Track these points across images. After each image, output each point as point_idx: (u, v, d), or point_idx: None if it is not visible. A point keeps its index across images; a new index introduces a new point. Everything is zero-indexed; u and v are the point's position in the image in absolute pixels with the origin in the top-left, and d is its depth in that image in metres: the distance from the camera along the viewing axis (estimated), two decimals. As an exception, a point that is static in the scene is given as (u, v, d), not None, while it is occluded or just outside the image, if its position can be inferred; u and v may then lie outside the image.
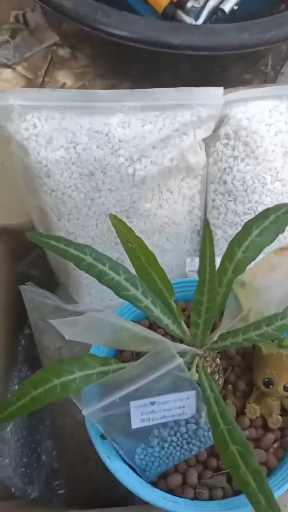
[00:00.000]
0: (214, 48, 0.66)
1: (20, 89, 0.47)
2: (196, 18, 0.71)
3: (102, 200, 0.49)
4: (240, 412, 0.40)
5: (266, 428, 0.40)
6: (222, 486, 0.37)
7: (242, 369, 0.42)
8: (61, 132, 0.47)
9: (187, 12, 0.71)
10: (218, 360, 0.38)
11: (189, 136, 0.48)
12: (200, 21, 0.71)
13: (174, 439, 0.37)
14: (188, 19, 0.71)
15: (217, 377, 0.38)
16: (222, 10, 0.72)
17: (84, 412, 0.35)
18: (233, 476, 0.32)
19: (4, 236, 0.61)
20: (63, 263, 0.55)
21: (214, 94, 0.47)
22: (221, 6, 0.72)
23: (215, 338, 0.36)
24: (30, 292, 0.58)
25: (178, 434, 0.37)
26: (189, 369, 0.36)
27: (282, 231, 0.37)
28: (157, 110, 0.47)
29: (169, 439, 0.37)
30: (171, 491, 0.37)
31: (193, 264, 0.52)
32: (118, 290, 0.36)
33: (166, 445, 0.37)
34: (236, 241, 0.37)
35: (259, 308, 0.33)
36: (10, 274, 0.64)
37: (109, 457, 0.37)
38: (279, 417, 0.39)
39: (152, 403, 0.36)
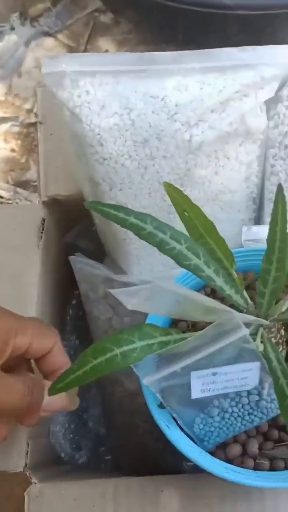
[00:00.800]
0: (270, 6, 0.62)
1: (73, 54, 0.46)
2: None
3: (156, 168, 0.48)
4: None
5: None
6: (284, 457, 0.36)
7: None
8: (115, 98, 0.46)
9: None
10: (282, 331, 0.37)
11: (250, 97, 0.45)
12: None
13: (236, 409, 0.36)
14: None
15: (280, 348, 0.37)
16: None
17: (145, 382, 0.35)
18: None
19: (53, 207, 0.61)
20: (113, 234, 0.55)
21: (280, 53, 0.44)
22: None
23: (283, 309, 0.34)
24: (80, 263, 0.57)
25: (240, 405, 0.36)
26: (253, 340, 0.35)
27: None
28: (217, 71, 0.45)
29: (230, 409, 0.36)
30: (230, 461, 0.37)
31: (249, 233, 0.50)
32: (179, 259, 0.35)
33: (227, 415, 0.36)
34: None
35: None
36: (58, 245, 0.64)
37: (167, 426, 0.37)
38: None
39: (214, 374, 0.35)
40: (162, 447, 0.55)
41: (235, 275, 0.38)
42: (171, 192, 0.41)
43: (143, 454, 0.57)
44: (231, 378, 0.35)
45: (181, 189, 0.49)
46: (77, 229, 0.66)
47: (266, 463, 0.37)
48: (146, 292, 0.32)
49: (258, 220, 0.55)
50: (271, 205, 0.51)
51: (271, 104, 0.48)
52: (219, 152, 0.48)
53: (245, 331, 0.33)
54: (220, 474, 0.35)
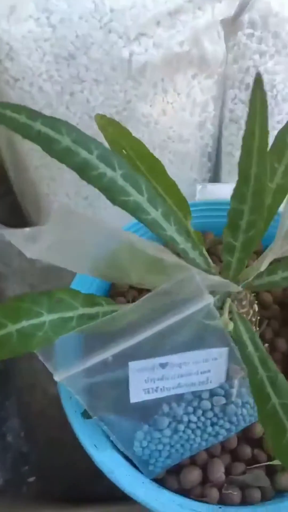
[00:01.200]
0: None
1: None
2: None
3: (85, 96, 0.36)
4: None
5: None
6: (260, 484, 0.25)
7: (280, 323, 0.30)
8: (29, -2, 0.34)
9: None
10: (256, 307, 0.26)
11: (206, 12, 0.35)
12: None
13: (193, 418, 0.25)
14: None
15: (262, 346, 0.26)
16: None
17: (57, 377, 0.22)
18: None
19: None
20: (32, 187, 0.42)
21: None
22: None
23: (262, 268, 0.23)
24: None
25: (199, 412, 0.25)
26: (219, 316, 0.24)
27: None
28: None
29: (185, 418, 0.25)
30: (185, 493, 0.26)
31: (205, 192, 0.39)
32: (112, 193, 0.23)
33: (181, 427, 0.25)
34: (275, 157, 0.25)
35: None
36: None
37: (95, 446, 0.25)
38: None
39: (163, 366, 0.23)
40: (95, 470, 0.43)
41: (191, 229, 0.27)
42: (104, 125, 0.30)
43: (75, 477, 0.45)
44: (188, 371, 0.24)
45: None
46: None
47: (235, 493, 0.25)
48: (56, 231, 0.20)
49: (213, 181, 0.45)
50: (230, 160, 0.41)
51: (230, 33, 0.38)
52: (167, 83, 0.37)
53: (209, 299, 0.21)
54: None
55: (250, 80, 0.39)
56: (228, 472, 0.26)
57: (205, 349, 0.23)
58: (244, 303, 0.25)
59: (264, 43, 0.38)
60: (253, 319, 0.26)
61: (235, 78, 0.39)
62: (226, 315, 0.23)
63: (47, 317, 0.22)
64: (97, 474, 0.43)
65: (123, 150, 0.29)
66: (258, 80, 0.21)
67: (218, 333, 0.23)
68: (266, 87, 0.38)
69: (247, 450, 0.26)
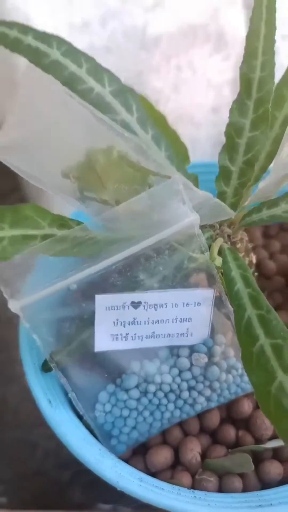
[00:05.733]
0: None
1: None
2: None
3: (96, 66, 0.35)
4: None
5: None
6: (242, 471, 0.21)
7: (284, 296, 0.26)
8: None
9: None
10: (253, 257, 0.23)
11: (227, -16, 0.34)
12: None
13: (167, 379, 0.21)
14: None
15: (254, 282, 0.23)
16: None
17: (14, 305, 0.19)
18: (277, 428, 0.16)
19: None
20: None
21: None
22: None
23: (258, 197, 0.20)
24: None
25: (175, 371, 0.21)
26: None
27: None
28: None
29: (158, 378, 0.21)
30: (152, 475, 0.21)
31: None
32: (99, 109, 0.21)
33: (153, 388, 0.21)
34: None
35: None
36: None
37: (49, 401, 0.21)
38: None
39: (136, 305, 0.20)
40: (69, 478, 0.38)
41: (186, 169, 0.24)
42: None
43: (44, 487, 0.39)
44: (165, 317, 0.20)
45: (128, 102, 0.37)
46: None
47: (212, 480, 0.21)
48: (17, 129, 0.18)
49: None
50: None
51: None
52: (181, 56, 0.36)
53: (193, 216, 0.18)
54: (130, 488, 0.19)
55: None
56: (205, 455, 0.22)
57: (187, 289, 0.20)
58: (239, 246, 0.22)
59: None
60: (249, 270, 0.23)
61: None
62: (215, 251, 0.20)
63: (8, 232, 0.19)
64: (67, 487, 0.38)
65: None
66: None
67: (204, 268, 0.20)
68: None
69: (230, 432, 0.22)
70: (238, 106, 0.19)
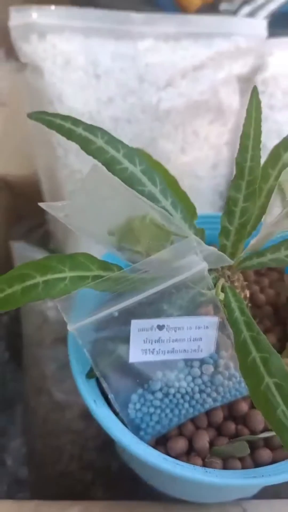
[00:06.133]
0: None
1: (45, 7, 0.43)
2: None
3: (118, 133, 0.42)
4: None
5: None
6: (241, 455, 0.28)
7: (272, 322, 0.33)
8: (82, 53, 0.42)
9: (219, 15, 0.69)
10: (247, 292, 0.30)
11: (224, 68, 0.42)
12: None
13: (184, 384, 0.28)
14: None
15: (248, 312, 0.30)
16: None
17: (70, 327, 0.26)
18: (267, 419, 0.23)
19: (3, 191, 0.55)
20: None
21: (257, 25, 0.42)
22: (253, 15, 0.70)
23: (251, 248, 0.28)
24: (22, 249, 0.50)
25: (189, 378, 0.28)
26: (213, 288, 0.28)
27: None
28: (192, 37, 0.42)
29: (176, 383, 0.28)
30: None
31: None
32: (131, 183, 0.29)
33: (172, 391, 0.28)
34: (283, 144, 0.30)
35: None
36: (5, 233, 0.57)
37: (94, 401, 0.28)
38: None
39: (160, 327, 0.27)
40: (91, 478, 0.44)
41: (195, 225, 0.32)
42: None
43: (70, 487, 0.45)
44: (182, 337, 0.27)
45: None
46: (27, 225, 0.59)
47: (218, 462, 0.27)
48: (81, 199, 0.25)
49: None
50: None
51: (245, 90, 0.46)
52: (187, 125, 0.44)
53: (203, 264, 0.26)
54: (158, 464, 0.25)
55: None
56: (213, 444, 0.28)
57: (198, 316, 0.27)
58: (236, 284, 0.29)
59: (274, 98, 0.45)
60: (244, 302, 0.30)
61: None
62: (219, 288, 0.27)
63: (68, 274, 0.27)
64: (88, 487, 0.43)
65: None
66: (255, 91, 0.27)
67: (211, 301, 0.27)
68: (273, 135, 0.45)
69: (231, 426, 0.29)
70: (234, 185, 0.27)
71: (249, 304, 0.31)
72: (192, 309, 0.27)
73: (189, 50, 0.41)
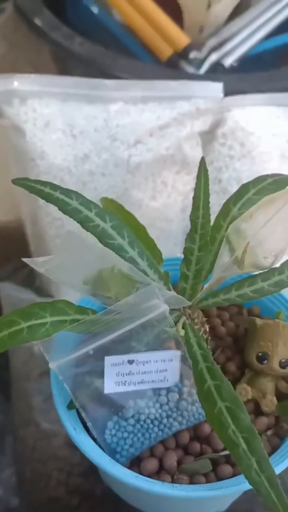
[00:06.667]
0: None
1: (25, 75, 0.48)
2: (198, 68, 0.75)
3: (94, 185, 0.48)
4: (229, 396, 0.35)
5: (258, 413, 0.35)
6: (205, 471, 0.32)
7: (233, 351, 0.38)
8: (59, 116, 0.48)
9: (190, 63, 0.75)
10: (207, 327, 0.35)
11: (187, 126, 0.48)
12: (202, 71, 0.75)
13: (153, 410, 0.32)
14: (190, 69, 0.74)
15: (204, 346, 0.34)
16: (222, 65, 0.76)
17: (52, 365, 0.31)
18: (221, 439, 0.27)
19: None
20: (47, 253, 0.53)
21: (213, 88, 0.48)
22: (221, 61, 0.77)
23: (206, 289, 0.33)
24: (8, 289, 0.54)
25: (157, 405, 0.32)
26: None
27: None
28: (157, 100, 0.48)
29: (146, 410, 0.32)
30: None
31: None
32: (102, 238, 0.33)
33: (143, 417, 0.32)
34: (232, 200, 0.35)
35: (254, 249, 0.31)
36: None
37: (74, 429, 0.32)
38: (274, 398, 0.34)
39: (130, 362, 0.31)
40: (77, 502, 0.47)
41: (161, 270, 0.36)
42: (106, 203, 0.41)
43: (57, 511, 0.48)
44: (149, 369, 0.32)
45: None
46: (13, 265, 0.64)
47: (185, 478, 0.31)
48: (59, 257, 0.30)
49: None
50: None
51: (207, 142, 0.51)
52: (156, 176, 0.49)
53: (164, 307, 0.30)
54: (130, 481, 0.29)
55: (222, 176, 0.51)
56: (180, 463, 0.32)
57: (163, 350, 0.32)
58: (196, 321, 0.33)
59: (233, 149, 0.50)
60: (203, 336, 0.34)
61: (211, 175, 0.51)
62: (180, 326, 0.32)
63: (49, 319, 0.31)
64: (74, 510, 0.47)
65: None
66: (203, 162, 0.32)
67: (173, 337, 0.31)
68: (234, 181, 0.50)
69: (197, 446, 0.33)
70: (189, 238, 0.32)
71: (209, 337, 0.35)
72: (158, 344, 0.32)
73: (155, 112, 0.47)
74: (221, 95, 0.48)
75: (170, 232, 0.52)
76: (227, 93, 0.57)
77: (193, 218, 0.32)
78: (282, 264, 0.32)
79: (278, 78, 0.66)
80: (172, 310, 0.33)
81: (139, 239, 0.38)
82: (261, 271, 0.32)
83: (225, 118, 0.50)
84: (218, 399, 0.28)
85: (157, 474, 0.32)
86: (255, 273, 0.32)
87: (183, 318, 0.33)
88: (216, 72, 0.74)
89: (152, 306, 0.30)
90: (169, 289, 0.35)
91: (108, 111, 0.47)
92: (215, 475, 0.32)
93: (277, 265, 0.32)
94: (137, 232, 0.38)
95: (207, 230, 0.32)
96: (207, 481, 0.32)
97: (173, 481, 0.32)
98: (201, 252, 0.32)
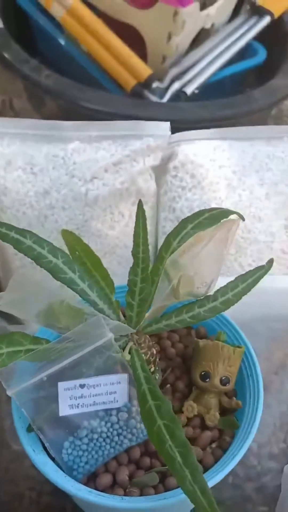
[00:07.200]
0: (175, 121, 0.72)
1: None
2: (161, 97, 0.79)
3: (55, 218, 0.52)
4: (178, 412, 0.38)
5: (204, 428, 0.38)
6: (154, 484, 0.35)
7: (182, 371, 0.41)
8: (20, 155, 0.51)
9: (153, 92, 0.79)
10: (154, 351, 0.38)
11: (139, 162, 0.52)
12: (165, 100, 0.79)
13: (104, 429, 0.35)
14: (154, 98, 0.78)
15: (152, 368, 0.38)
16: (184, 93, 0.81)
17: (9, 392, 0.34)
18: (160, 454, 0.30)
19: None
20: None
21: (161, 127, 0.52)
22: (183, 89, 0.81)
23: (149, 317, 0.36)
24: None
25: (109, 424, 0.35)
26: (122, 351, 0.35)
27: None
28: (110, 138, 0.52)
29: (99, 429, 0.35)
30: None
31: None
32: (55, 273, 0.37)
33: (96, 436, 0.35)
34: (173, 234, 0.39)
35: (188, 279, 0.34)
36: None
37: (34, 450, 0.35)
38: (217, 413, 0.38)
39: (82, 386, 0.35)
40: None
41: (113, 299, 0.40)
42: (66, 236, 0.44)
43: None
44: (100, 391, 0.35)
45: (78, 240, 0.53)
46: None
47: (136, 491, 0.34)
48: (14, 292, 0.33)
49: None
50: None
51: (161, 175, 0.55)
52: (113, 208, 0.53)
53: (109, 335, 0.34)
54: (83, 496, 0.32)
55: (175, 206, 0.55)
56: (132, 476, 0.35)
57: (112, 374, 0.35)
58: (143, 345, 0.37)
59: (184, 180, 0.54)
60: (151, 359, 0.37)
61: (165, 204, 0.55)
62: (127, 351, 0.35)
63: (5, 350, 0.34)
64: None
65: (76, 252, 0.43)
66: (140, 204, 0.36)
67: (119, 362, 0.35)
68: (187, 209, 0.54)
69: (147, 460, 0.36)
70: (132, 271, 0.35)
71: (159, 358, 0.39)
72: (107, 369, 0.35)
73: (109, 150, 0.51)
74: (169, 133, 0.52)
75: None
76: (188, 120, 0.61)
77: (135, 253, 0.35)
78: (215, 292, 0.36)
79: (238, 104, 0.71)
80: (121, 336, 0.37)
81: (94, 269, 0.42)
82: (198, 299, 0.36)
83: (175, 152, 0.54)
84: (157, 417, 0.31)
85: (111, 488, 0.35)
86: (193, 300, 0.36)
87: (130, 343, 0.36)
88: (179, 100, 0.79)
89: (99, 334, 0.34)
90: (118, 317, 0.38)
91: (66, 150, 0.51)
92: (163, 486, 0.35)
93: (211, 293, 0.36)
94: (92, 263, 0.42)
95: (147, 263, 0.35)
96: (156, 493, 0.35)
97: (125, 494, 0.35)
98: (144, 283, 0.36)
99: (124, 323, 0.37)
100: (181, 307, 0.36)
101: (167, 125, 0.52)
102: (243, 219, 0.39)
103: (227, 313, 0.43)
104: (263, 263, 0.49)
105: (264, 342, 0.54)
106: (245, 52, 0.88)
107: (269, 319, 0.55)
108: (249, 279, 0.37)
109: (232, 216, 0.39)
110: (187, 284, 0.34)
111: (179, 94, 0.80)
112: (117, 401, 0.35)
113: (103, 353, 0.34)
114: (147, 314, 0.37)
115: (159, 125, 0.52)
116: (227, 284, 0.36)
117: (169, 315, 0.36)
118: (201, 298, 0.36)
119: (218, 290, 0.36)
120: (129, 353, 0.36)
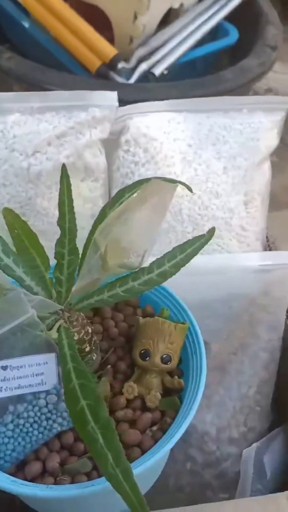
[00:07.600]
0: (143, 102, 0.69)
1: None
2: (127, 78, 0.76)
3: (-4, 196, 0.49)
4: (118, 394, 0.36)
5: (145, 409, 0.36)
6: (87, 471, 0.32)
7: (125, 351, 0.39)
8: None
9: (118, 73, 0.76)
10: (89, 329, 0.35)
11: (85, 135, 0.49)
12: (132, 81, 0.76)
13: (31, 414, 0.32)
14: (120, 79, 0.75)
15: (88, 348, 0.35)
16: (153, 74, 0.78)
17: None
18: (81, 435, 0.28)
19: None
20: None
21: (108, 97, 0.49)
22: (152, 70, 0.78)
23: (78, 292, 0.33)
24: None
25: (36, 408, 0.33)
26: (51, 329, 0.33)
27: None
28: (54, 110, 0.49)
29: (25, 414, 0.32)
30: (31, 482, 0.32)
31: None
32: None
33: (22, 421, 0.32)
34: (108, 204, 0.36)
35: (117, 249, 0.31)
36: None
37: None
38: (158, 394, 0.35)
39: (4, 368, 0.32)
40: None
41: (47, 277, 0.37)
42: (6, 214, 0.41)
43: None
44: (25, 373, 0.32)
45: (24, 218, 0.50)
46: None
47: (66, 479, 0.32)
48: None
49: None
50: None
51: (112, 150, 0.53)
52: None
53: (31, 312, 0.31)
54: (5, 487, 0.30)
55: (128, 182, 0.52)
56: (64, 463, 0.33)
57: (37, 354, 0.32)
58: (75, 323, 0.34)
59: (137, 155, 0.51)
60: (86, 338, 0.35)
61: (118, 181, 0.53)
62: (55, 329, 0.33)
63: None
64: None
65: (15, 230, 0.40)
66: (64, 168, 0.33)
67: (45, 341, 0.32)
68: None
69: (80, 446, 0.33)
70: (59, 242, 0.33)
71: (94, 338, 0.36)
72: (32, 349, 0.32)
73: (51, 122, 0.48)
74: (116, 103, 0.49)
75: (84, 239, 0.53)
76: (157, 100, 0.58)
77: (61, 223, 0.33)
78: (151, 264, 0.33)
79: (208, 84, 0.69)
80: (50, 314, 0.34)
81: (31, 246, 0.39)
82: (132, 272, 0.33)
83: (127, 125, 0.51)
84: (81, 397, 0.28)
85: (41, 476, 0.33)
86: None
87: (61, 321, 0.33)
88: (147, 81, 0.76)
89: (19, 311, 0.31)
90: (50, 294, 0.35)
91: (5, 123, 0.48)
92: (97, 473, 0.32)
93: (146, 265, 0.33)
94: (29, 240, 0.39)
95: (74, 234, 0.32)
96: (89, 480, 0.32)
97: (56, 482, 0.32)
98: (72, 256, 0.33)
99: (54, 298, 0.34)
100: (114, 281, 0.33)
101: (114, 94, 0.49)
102: (191, 190, 0.37)
103: (182, 292, 0.40)
104: (222, 240, 0.47)
105: (223, 322, 0.52)
106: (217, 33, 0.85)
107: (230, 299, 0.53)
108: (188, 249, 0.34)
109: (179, 188, 0.36)
110: (117, 255, 0.32)
111: (148, 75, 0.77)
112: (45, 383, 0.33)
113: (28, 332, 0.31)
114: (74, 289, 0.34)
115: (105, 94, 0.49)
116: (164, 254, 0.34)
117: (101, 290, 0.33)
118: (136, 270, 0.33)
119: (154, 261, 0.33)
120: (58, 331, 0.33)
